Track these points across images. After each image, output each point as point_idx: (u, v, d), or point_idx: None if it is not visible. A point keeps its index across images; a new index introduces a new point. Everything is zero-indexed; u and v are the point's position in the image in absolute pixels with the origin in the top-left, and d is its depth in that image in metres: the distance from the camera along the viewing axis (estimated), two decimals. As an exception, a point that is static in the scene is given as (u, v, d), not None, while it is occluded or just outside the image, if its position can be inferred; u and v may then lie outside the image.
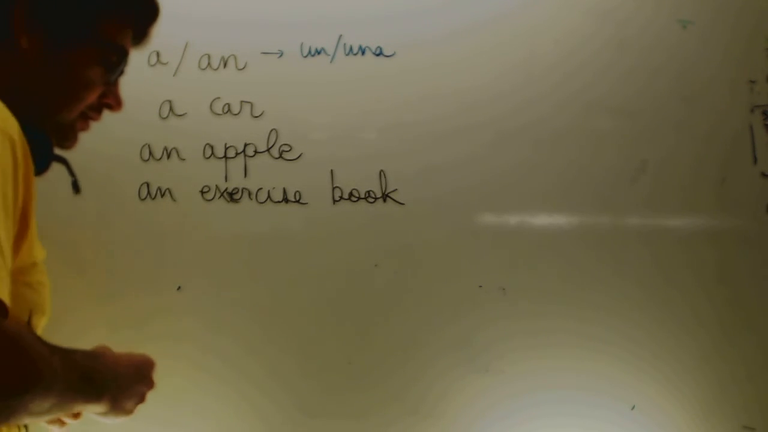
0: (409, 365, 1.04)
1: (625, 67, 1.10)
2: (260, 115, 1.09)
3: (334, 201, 1.07)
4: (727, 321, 1.05)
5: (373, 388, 1.04)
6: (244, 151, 1.08)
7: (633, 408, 1.04)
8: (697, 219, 1.07)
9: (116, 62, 0.74)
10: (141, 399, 0.79)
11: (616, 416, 1.03)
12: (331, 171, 1.08)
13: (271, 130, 1.08)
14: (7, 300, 0.53)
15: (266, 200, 1.07)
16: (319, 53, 1.10)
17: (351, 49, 1.10)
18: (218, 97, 1.09)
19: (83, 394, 0.65)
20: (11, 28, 0.64)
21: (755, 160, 1.08)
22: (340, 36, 1.10)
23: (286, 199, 1.07)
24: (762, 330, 1.05)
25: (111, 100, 0.77)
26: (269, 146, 1.08)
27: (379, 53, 1.10)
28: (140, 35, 0.79)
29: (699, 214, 1.07)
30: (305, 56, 1.10)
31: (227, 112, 1.09)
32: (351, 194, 1.07)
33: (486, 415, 1.03)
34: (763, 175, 1.08)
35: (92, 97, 0.74)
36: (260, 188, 1.07)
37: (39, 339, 0.59)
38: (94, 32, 0.71)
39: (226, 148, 1.08)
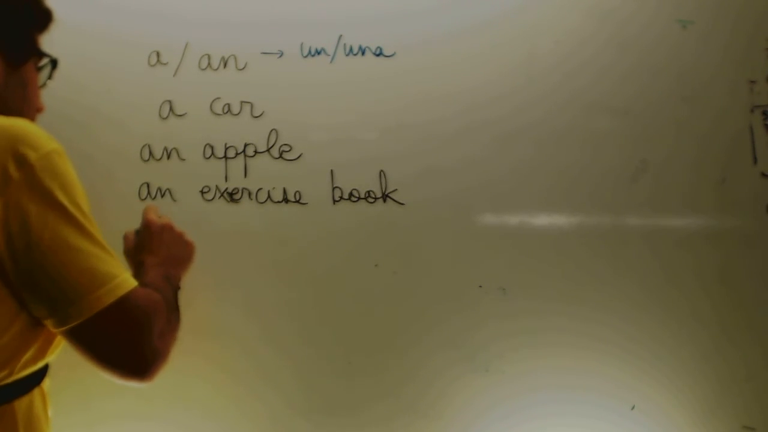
0: (408, 365, 1.05)
1: (625, 68, 1.10)
2: (260, 115, 1.09)
3: (334, 201, 1.07)
4: (728, 321, 1.05)
5: (372, 388, 1.04)
6: (244, 151, 1.08)
7: (633, 408, 1.04)
8: (698, 219, 1.07)
9: (42, 67, 0.80)
10: (191, 249, 1.00)
11: (616, 416, 1.03)
12: (331, 171, 1.07)
13: (271, 130, 1.08)
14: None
15: (266, 200, 1.07)
16: (319, 53, 1.10)
17: (351, 49, 1.10)
18: (218, 97, 1.09)
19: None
20: None
21: (755, 160, 1.08)
22: (340, 36, 1.10)
23: (286, 199, 1.07)
24: (762, 330, 1.05)
25: (40, 104, 0.83)
26: (269, 146, 1.08)
27: (379, 53, 1.10)
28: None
29: (699, 214, 1.07)
30: (305, 56, 1.10)
31: (227, 112, 1.09)
32: (351, 194, 1.07)
33: (485, 415, 1.03)
34: (763, 175, 1.08)
35: (37, 104, 0.81)
36: (260, 188, 1.07)
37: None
38: (32, 44, 0.78)
39: (226, 148, 1.08)
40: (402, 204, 1.07)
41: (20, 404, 0.68)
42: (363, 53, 1.10)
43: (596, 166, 1.08)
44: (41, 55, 0.80)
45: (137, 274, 0.85)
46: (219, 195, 1.07)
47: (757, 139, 1.08)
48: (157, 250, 0.91)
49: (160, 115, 1.09)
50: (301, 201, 1.07)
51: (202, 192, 1.07)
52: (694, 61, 1.10)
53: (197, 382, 1.03)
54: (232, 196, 1.07)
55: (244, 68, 1.10)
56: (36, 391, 0.72)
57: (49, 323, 0.66)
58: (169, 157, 1.08)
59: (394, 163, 1.07)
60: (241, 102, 1.09)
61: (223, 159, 1.08)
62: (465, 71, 1.09)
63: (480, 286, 1.06)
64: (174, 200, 1.07)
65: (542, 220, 1.07)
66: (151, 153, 1.08)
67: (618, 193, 1.07)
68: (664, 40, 1.10)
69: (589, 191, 1.07)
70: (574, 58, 1.09)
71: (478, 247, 1.06)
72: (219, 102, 1.09)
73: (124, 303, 0.67)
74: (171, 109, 1.09)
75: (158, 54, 1.10)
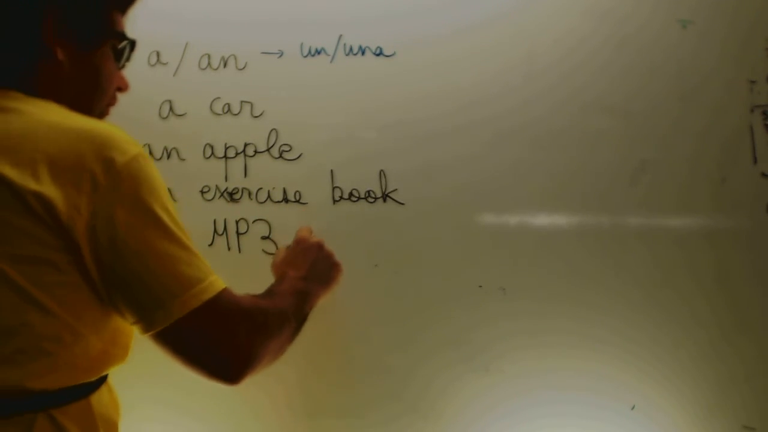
0: (408, 365, 1.05)
1: (624, 67, 1.09)
2: (260, 115, 1.09)
3: (334, 201, 1.07)
4: (726, 321, 1.05)
5: (372, 388, 1.04)
6: (244, 151, 1.08)
7: (633, 408, 1.04)
8: (697, 219, 1.07)
9: (122, 49, 0.77)
10: (337, 270, 1.00)
11: (616, 416, 1.03)
12: (331, 171, 1.08)
13: (271, 130, 1.08)
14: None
15: (266, 200, 1.07)
16: (319, 53, 1.10)
17: (351, 49, 1.10)
18: (218, 97, 1.09)
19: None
20: (47, 43, 0.68)
21: (755, 160, 1.08)
22: (340, 36, 1.10)
23: (286, 199, 1.07)
24: (760, 330, 1.05)
25: (120, 83, 0.81)
26: (269, 146, 1.08)
27: (379, 53, 1.10)
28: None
29: (698, 214, 1.07)
30: (305, 56, 1.10)
31: (227, 112, 1.09)
32: (351, 194, 1.07)
33: (485, 415, 1.03)
34: (763, 175, 1.08)
35: (113, 87, 0.79)
36: (260, 188, 1.07)
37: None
38: (107, 26, 0.75)
39: (226, 148, 1.08)
40: (402, 204, 1.07)
41: (96, 397, 0.70)
42: (363, 53, 1.10)
43: (595, 165, 1.08)
44: (119, 38, 0.76)
45: (277, 282, 0.89)
46: (219, 195, 1.07)
47: (757, 138, 1.08)
48: (301, 265, 0.93)
49: (160, 115, 1.09)
50: (301, 201, 1.07)
51: (202, 192, 1.07)
52: (694, 60, 1.10)
53: (198, 383, 1.03)
54: (232, 196, 1.07)
55: (244, 68, 1.10)
56: (104, 386, 0.73)
57: (137, 327, 0.67)
58: (169, 157, 1.08)
59: (395, 163, 1.07)
60: (241, 102, 1.09)
61: (223, 159, 1.08)
62: (465, 70, 1.09)
63: (480, 286, 1.06)
64: (174, 200, 1.06)
65: (542, 219, 1.07)
66: (151, 153, 1.08)
67: (617, 193, 1.07)
68: (664, 40, 1.10)
69: (588, 190, 1.07)
70: (572, 57, 1.09)
71: (478, 247, 1.06)
72: (219, 102, 1.09)
73: (209, 306, 0.67)
74: (171, 109, 1.09)
75: (158, 54, 1.10)
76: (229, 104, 1.09)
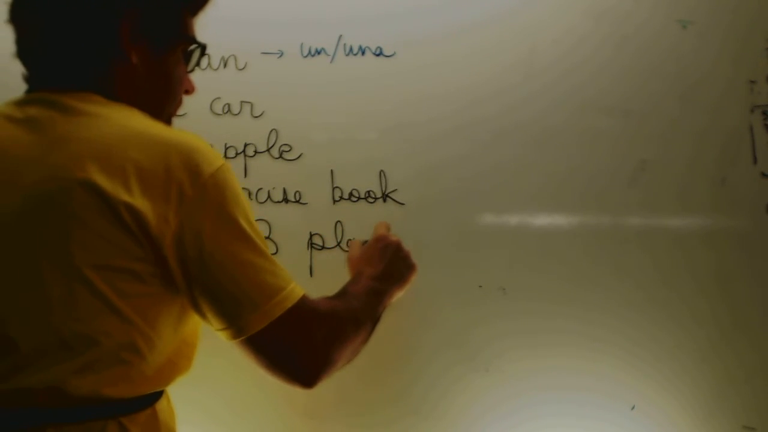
0: (409, 365, 1.05)
1: (623, 66, 1.10)
2: (260, 115, 1.09)
3: (334, 201, 1.07)
4: (725, 321, 1.05)
5: (373, 389, 1.04)
6: (244, 151, 1.08)
7: (633, 408, 1.04)
8: (696, 219, 1.07)
9: (190, 53, 0.78)
10: (413, 272, 0.97)
11: (616, 416, 1.03)
12: (331, 171, 1.08)
13: (271, 130, 1.08)
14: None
15: (266, 200, 1.07)
16: (319, 53, 1.10)
17: (351, 49, 1.10)
18: (218, 97, 1.09)
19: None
20: (122, 47, 0.69)
21: (755, 160, 1.08)
22: (340, 36, 1.10)
23: (286, 199, 1.07)
24: (760, 330, 1.05)
25: (188, 86, 0.81)
26: (269, 146, 1.08)
27: (379, 53, 1.10)
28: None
29: (698, 215, 1.07)
30: (305, 56, 1.10)
31: (227, 112, 1.09)
32: (351, 194, 1.07)
33: (486, 415, 1.03)
34: (763, 175, 1.08)
35: (182, 91, 0.79)
36: (260, 188, 1.07)
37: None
38: (179, 30, 0.76)
39: (226, 148, 1.08)
40: (402, 204, 1.07)
41: (159, 406, 0.71)
42: (363, 53, 1.10)
43: (596, 164, 1.08)
44: (190, 41, 0.77)
45: (352, 281, 0.89)
46: (219, 195, 1.07)
47: (757, 139, 1.08)
48: (378, 263, 0.93)
49: (160, 115, 1.08)
50: (301, 201, 1.07)
51: (202, 192, 1.07)
52: (693, 60, 1.10)
53: (201, 383, 1.03)
54: (232, 196, 1.07)
55: (244, 68, 1.10)
56: (164, 396, 0.74)
57: (223, 334, 0.69)
58: (169, 157, 1.08)
59: (394, 163, 1.07)
60: (241, 102, 1.09)
61: (223, 159, 1.08)
62: (464, 70, 1.09)
63: (480, 286, 1.06)
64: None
65: (542, 219, 1.07)
66: (151, 153, 1.08)
67: (618, 193, 1.07)
68: (663, 39, 1.10)
69: (590, 191, 1.07)
70: (572, 56, 1.09)
71: (478, 247, 1.06)
72: (219, 102, 1.09)
73: (290, 314, 0.68)
74: (171, 109, 1.09)
75: (158, 54, 1.10)
76: (229, 104, 1.09)
